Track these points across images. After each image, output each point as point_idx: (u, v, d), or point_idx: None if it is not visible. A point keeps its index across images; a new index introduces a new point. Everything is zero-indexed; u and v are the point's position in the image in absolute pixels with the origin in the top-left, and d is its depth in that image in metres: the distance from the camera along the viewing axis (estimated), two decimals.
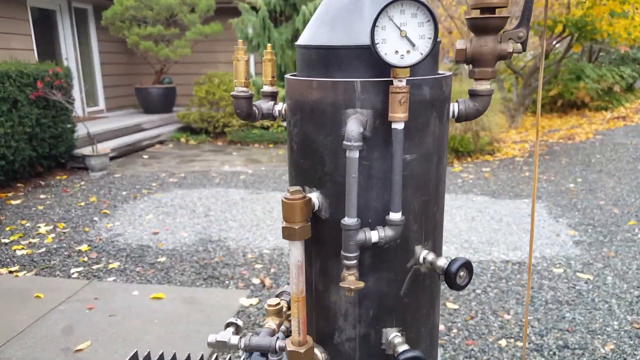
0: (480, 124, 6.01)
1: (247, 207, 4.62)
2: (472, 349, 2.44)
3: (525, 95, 7.59)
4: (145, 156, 6.96)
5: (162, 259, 3.48)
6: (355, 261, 0.77)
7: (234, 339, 1.00)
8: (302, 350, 0.83)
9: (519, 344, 2.48)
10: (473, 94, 0.84)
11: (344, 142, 0.74)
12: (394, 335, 0.84)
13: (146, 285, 3.10)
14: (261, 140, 7.75)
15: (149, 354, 1.49)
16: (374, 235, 0.78)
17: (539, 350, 2.40)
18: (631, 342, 2.43)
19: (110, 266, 3.37)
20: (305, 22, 7.50)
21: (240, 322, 1.06)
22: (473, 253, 3.50)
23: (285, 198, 0.77)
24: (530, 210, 4.37)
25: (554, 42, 7.36)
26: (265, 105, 0.90)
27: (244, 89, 0.85)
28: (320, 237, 0.84)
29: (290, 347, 0.84)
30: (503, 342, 2.47)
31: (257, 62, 9.11)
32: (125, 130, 7.53)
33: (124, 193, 5.11)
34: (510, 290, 3.02)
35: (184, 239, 3.85)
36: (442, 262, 0.81)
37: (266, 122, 8.07)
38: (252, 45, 8.02)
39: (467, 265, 0.79)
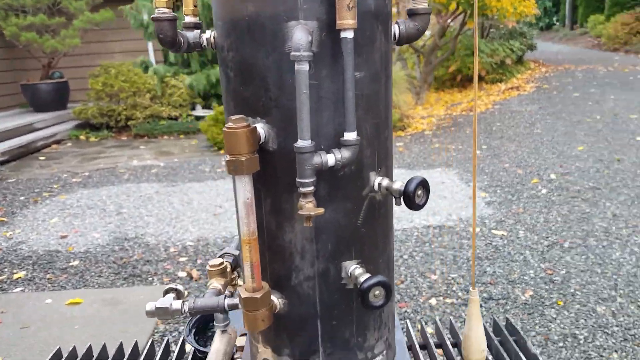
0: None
1: (163, 201, 4.36)
2: (405, 311, 2.49)
3: (428, 73, 7.95)
4: (41, 157, 6.32)
5: (75, 263, 3.17)
6: (312, 187, 0.71)
7: (177, 304, 0.90)
8: (258, 295, 0.75)
9: (448, 300, 2.58)
10: (412, 13, 0.80)
11: (292, 54, 0.66)
12: (354, 268, 0.80)
13: (60, 291, 2.80)
14: (170, 132, 7.37)
15: (74, 348, 1.32)
16: (330, 158, 0.73)
17: (467, 304, 2.51)
18: (547, 287, 2.62)
19: (16, 276, 3.01)
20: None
21: (180, 287, 0.95)
22: (397, 222, 3.59)
23: (228, 127, 0.69)
24: (442, 179, 4.57)
25: (449, 20, 7.76)
26: (191, 34, 0.79)
27: (166, 9, 0.73)
28: (269, 172, 0.77)
29: (244, 294, 0.76)
30: (433, 301, 2.55)
31: (156, 49, 8.62)
32: (14, 131, 6.78)
33: (22, 198, 4.60)
34: (434, 252, 3.13)
35: (96, 239, 3.54)
36: (398, 185, 0.78)
37: (174, 112, 7.69)
38: (148, 32, 7.58)
39: (424, 184, 0.76)
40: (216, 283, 1.00)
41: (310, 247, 0.80)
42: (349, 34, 0.67)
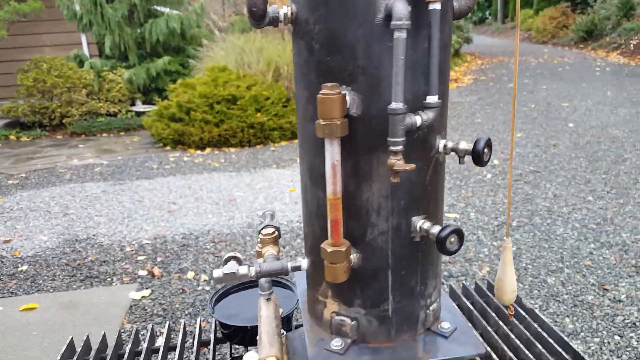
0: None
1: (112, 200, 4.19)
2: None
3: None
4: None
5: (24, 268, 2.99)
6: (401, 146, 0.77)
7: (243, 269, 0.96)
8: (343, 248, 0.83)
9: None
10: None
11: (393, 23, 0.72)
12: (422, 222, 0.87)
13: (11, 298, 2.64)
14: (109, 129, 7.06)
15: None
16: (418, 119, 0.80)
17: None
18: None
19: None
20: None
21: (239, 255, 1.00)
22: None
23: (323, 94, 0.76)
24: None
25: None
26: (270, 9, 0.82)
27: None
28: (351, 136, 0.82)
29: (330, 249, 0.83)
30: None
31: (90, 42, 8.19)
32: None
33: None
34: None
35: (44, 242, 3.35)
36: (463, 146, 0.86)
37: (113, 108, 7.36)
38: (82, 24, 7.20)
39: (489, 144, 0.84)
40: (272, 250, 1.05)
41: (385, 204, 0.85)
42: (437, 6, 0.75)
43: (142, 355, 1.45)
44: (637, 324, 2.18)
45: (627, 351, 2.02)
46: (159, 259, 3.10)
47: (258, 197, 4.19)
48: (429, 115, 0.81)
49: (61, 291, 2.71)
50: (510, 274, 1.01)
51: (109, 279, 2.86)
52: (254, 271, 0.96)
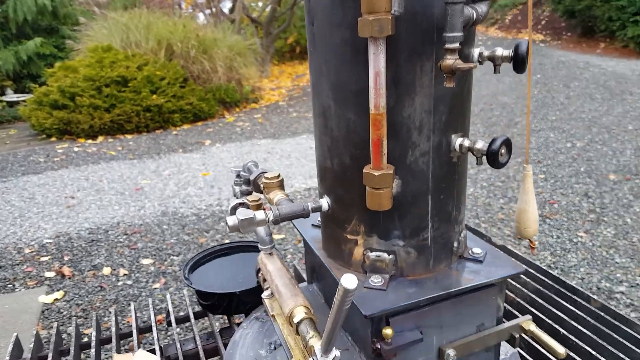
0: (240, 73, 6.07)
1: None
2: (303, 268, 2.52)
3: (269, 44, 7.96)
4: None
5: None
6: (459, 43, 0.69)
7: (260, 214, 0.84)
8: (390, 171, 0.74)
9: None
10: None
11: None
12: (461, 140, 0.81)
13: None
14: None
15: None
16: (474, 12, 0.73)
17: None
18: None
19: None
20: None
21: (246, 201, 0.89)
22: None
23: None
24: (310, 144, 4.66)
25: None
26: None
27: None
28: (391, 40, 0.71)
29: (377, 172, 0.73)
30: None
31: None
32: None
33: None
34: None
35: None
36: (500, 52, 0.80)
37: None
38: None
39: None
40: (281, 193, 0.92)
41: (427, 120, 0.77)
42: None
43: (93, 346, 1.23)
44: (552, 265, 2.40)
45: None
46: (66, 258, 2.74)
47: (168, 183, 3.90)
48: (482, 8, 0.74)
49: None
50: (532, 204, 0.97)
51: (9, 285, 2.45)
52: (272, 215, 0.84)
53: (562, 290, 1.29)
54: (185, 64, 5.75)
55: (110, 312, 2.25)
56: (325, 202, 0.88)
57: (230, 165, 4.27)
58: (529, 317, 0.88)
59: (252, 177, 1.02)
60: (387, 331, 0.78)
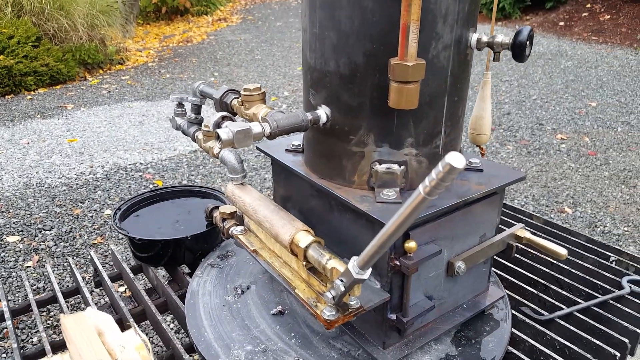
0: (102, 33, 5.43)
1: None
2: None
3: (132, 4, 7.19)
4: None
5: None
6: None
7: (256, 126, 0.71)
8: (423, 61, 0.65)
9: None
10: None
11: None
12: (478, 35, 0.76)
13: None
14: None
15: None
16: None
17: None
18: None
19: None
20: None
21: (229, 114, 0.70)
22: (159, 153, 3.34)
23: None
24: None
25: None
26: None
27: None
28: None
29: (410, 63, 0.64)
30: None
31: None
32: None
33: None
34: (212, 173, 3.08)
35: None
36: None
37: None
38: None
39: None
40: (266, 108, 0.74)
41: (453, 8, 0.68)
42: None
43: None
44: None
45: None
46: None
47: (28, 152, 3.36)
48: None
49: None
50: (488, 111, 0.96)
51: None
52: (269, 128, 0.70)
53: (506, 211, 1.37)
54: (39, 22, 4.93)
55: None
56: (323, 113, 0.76)
57: (100, 130, 3.81)
58: (522, 225, 0.89)
59: (216, 96, 0.85)
60: (411, 244, 0.71)
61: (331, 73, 0.75)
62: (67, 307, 1.05)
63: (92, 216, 2.53)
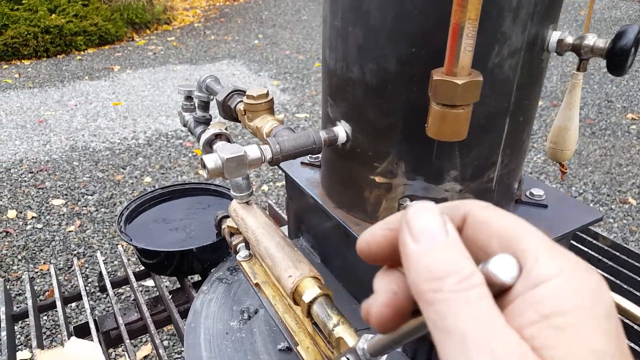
0: None
1: None
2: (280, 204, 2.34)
3: None
4: None
5: None
6: None
7: (253, 151, 0.56)
8: (479, 77, 0.45)
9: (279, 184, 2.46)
10: None
11: None
12: (560, 34, 0.55)
13: None
14: None
15: None
16: None
17: None
18: None
19: None
20: None
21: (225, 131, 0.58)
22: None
23: None
24: (232, 70, 4.24)
25: None
26: None
27: None
28: None
29: (461, 81, 0.44)
30: (265, 187, 2.45)
31: None
32: None
33: None
34: (251, 143, 3.03)
35: None
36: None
37: None
38: None
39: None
40: (272, 120, 0.60)
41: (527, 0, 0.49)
42: None
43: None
44: None
45: None
46: None
47: (75, 114, 3.38)
48: None
49: None
50: (576, 121, 0.72)
51: None
52: (270, 152, 0.55)
53: None
54: None
55: (20, 260, 1.92)
56: (342, 131, 0.60)
57: (144, 93, 3.76)
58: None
59: (219, 98, 0.70)
60: None
61: (354, 81, 0.57)
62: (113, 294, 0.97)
63: (132, 183, 2.52)
